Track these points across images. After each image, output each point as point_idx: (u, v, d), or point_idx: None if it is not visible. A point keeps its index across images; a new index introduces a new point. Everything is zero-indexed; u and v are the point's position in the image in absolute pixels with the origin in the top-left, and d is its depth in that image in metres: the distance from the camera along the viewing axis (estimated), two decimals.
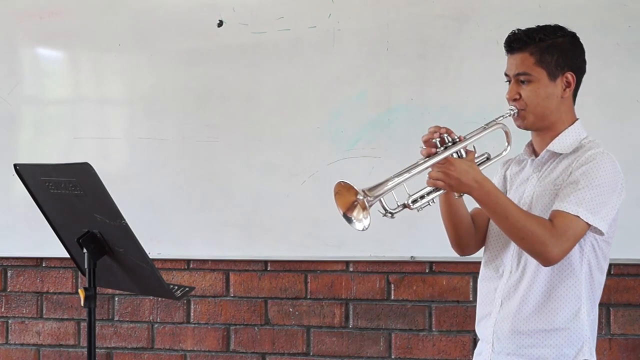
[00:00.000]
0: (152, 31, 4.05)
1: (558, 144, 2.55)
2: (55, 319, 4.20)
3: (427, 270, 3.84)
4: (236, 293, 4.03)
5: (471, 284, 3.77)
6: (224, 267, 4.04)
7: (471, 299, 3.77)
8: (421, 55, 3.79)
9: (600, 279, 2.54)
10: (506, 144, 2.60)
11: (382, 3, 3.81)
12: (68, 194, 2.60)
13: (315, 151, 3.87)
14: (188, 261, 4.08)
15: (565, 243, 2.41)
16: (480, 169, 2.47)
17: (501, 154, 2.61)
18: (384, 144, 3.78)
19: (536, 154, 2.61)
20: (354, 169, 3.78)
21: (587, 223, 2.42)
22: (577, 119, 2.59)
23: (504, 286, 2.56)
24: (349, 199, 2.39)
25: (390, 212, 2.42)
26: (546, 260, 2.42)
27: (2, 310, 4.25)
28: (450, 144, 2.44)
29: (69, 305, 4.19)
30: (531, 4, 3.61)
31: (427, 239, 3.68)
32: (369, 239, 3.81)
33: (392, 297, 3.88)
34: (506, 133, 2.59)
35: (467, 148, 2.48)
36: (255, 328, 4.01)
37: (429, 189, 2.46)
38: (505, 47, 2.58)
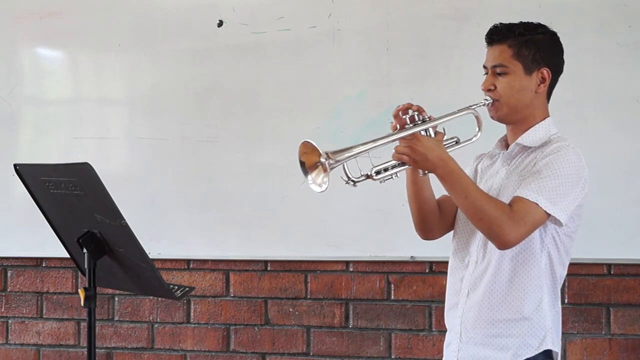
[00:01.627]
0: (152, 31, 4.05)
1: (527, 138, 2.58)
2: (55, 319, 4.20)
3: (427, 270, 3.84)
4: (236, 293, 4.03)
5: None
6: (224, 267, 4.04)
7: None
8: (421, 55, 3.79)
9: (562, 272, 2.57)
10: (477, 129, 2.64)
11: (382, 3, 3.81)
12: (68, 194, 2.60)
13: None
14: (188, 261, 4.08)
15: (522, 228, 2.42)
16: (449, 151, 2.50)
17: (471, 139, 2.64)
18: None
19: (508, 148, 2.64)
20: (354, 169, 3.77)
21: (546, 212, 2.43)
22: (549, 116, 2.62)
23: (470, 276, 2.59)
24: (313, 159, 2.44)
25: (352, 180, 2.46)
26: (501, 242, 2.44)
27: (2, 310, 4.24)
28: (420, 122, 2.47)
29: (69, 305, 4.19)
30: (531, 4, 3.61)
31: None
32: (369, 239, 3.82)
33: (392, 297, 3.88)
34: (477, 118, 2.63)
35: (438, 130, 2.52)
36: (255, 328, 4.01)
37: (393, 162, 2.50)
38: (485, 39, 2.62)
